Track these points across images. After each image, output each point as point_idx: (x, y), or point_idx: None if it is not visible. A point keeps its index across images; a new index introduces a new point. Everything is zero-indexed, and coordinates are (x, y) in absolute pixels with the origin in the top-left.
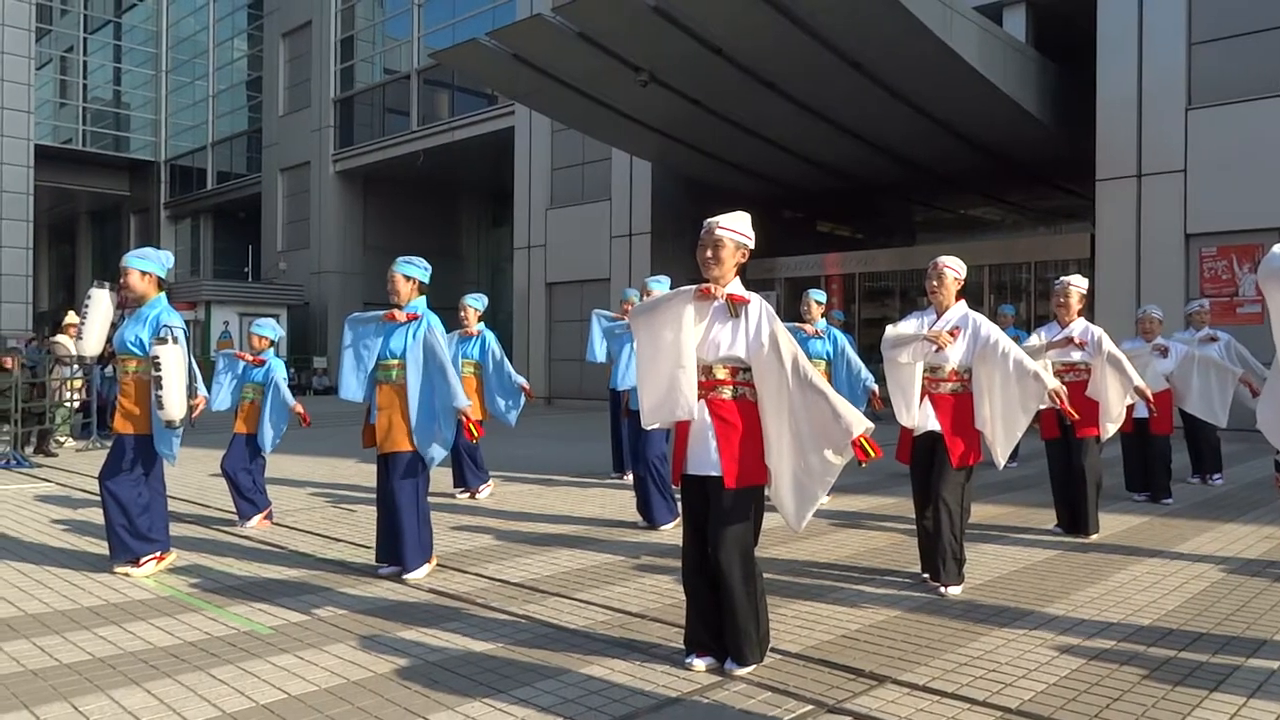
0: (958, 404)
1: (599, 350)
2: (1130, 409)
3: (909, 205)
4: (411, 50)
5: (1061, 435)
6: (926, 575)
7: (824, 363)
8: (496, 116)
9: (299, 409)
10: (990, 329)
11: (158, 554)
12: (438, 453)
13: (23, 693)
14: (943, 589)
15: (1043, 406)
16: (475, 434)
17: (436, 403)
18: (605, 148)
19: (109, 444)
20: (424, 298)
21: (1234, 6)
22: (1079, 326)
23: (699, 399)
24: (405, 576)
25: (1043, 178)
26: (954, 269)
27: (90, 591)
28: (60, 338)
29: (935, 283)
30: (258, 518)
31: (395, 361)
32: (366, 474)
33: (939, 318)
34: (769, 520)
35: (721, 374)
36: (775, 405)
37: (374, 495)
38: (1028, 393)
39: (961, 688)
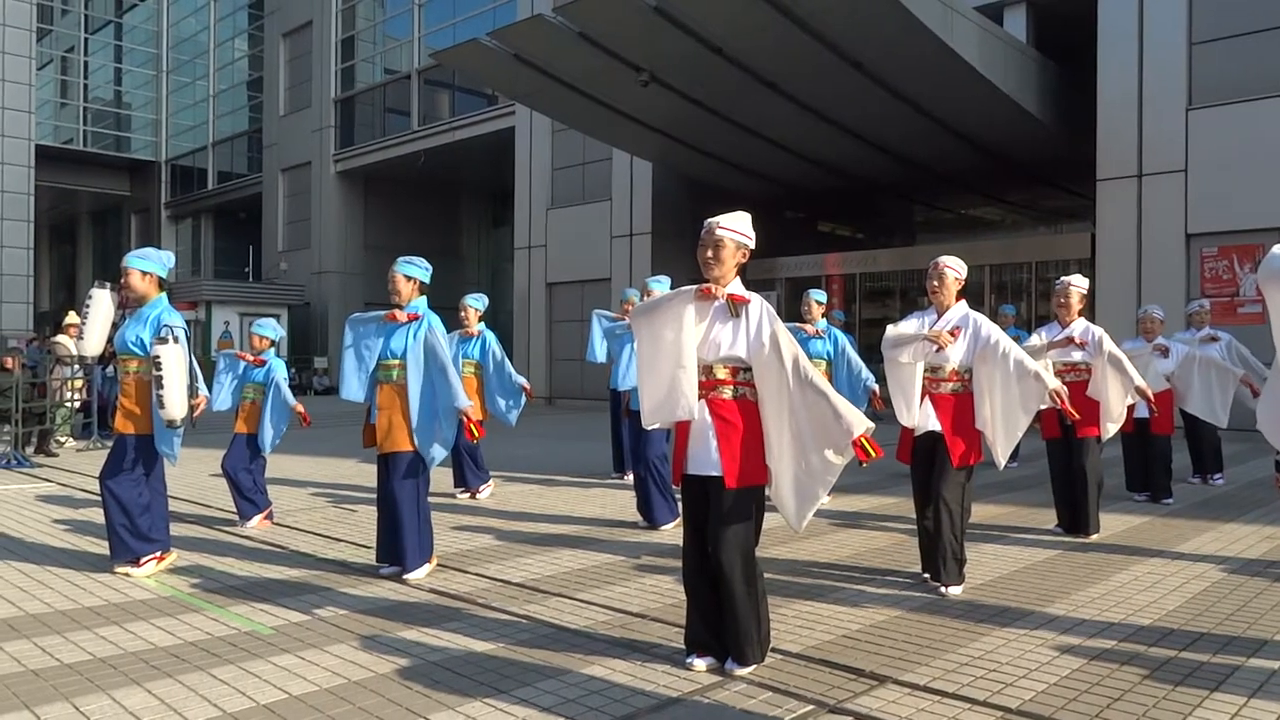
0: (958, 404)
1: (599, 350)
2: (1131, 409)
3: (910, 205)
4: (412, 50)
5: (1062, 435)
6: (927, 575)
7: (825, 363)
8: (497, 116)
9: (300, 409)
10: (991, 329)
11: (158, 554)
12: (438, 453)
13: (24, 693)
14: (943, 589)
15: (1043, 406)
16: (476, 434)
17: (437, 403)
18: (606, 148)
19: (110, 444)
20: (425, 298)
21: (1234, 6)
22: (1079, 326)
23: (699, 399)
24: (406, 576)
25: (1043, 178)
26: (955, 269)
27: (91, 591)
28: (61, 338)
29: (936, 283)
30: (258, 518)
31: (396, 361)
32: (367, 474)
33: (939, 318)
34: (770, 520)
35: (722, 374)
36: (776, 405)
37: (374, 495)
38: (1028, 393)
39: (962, 688)
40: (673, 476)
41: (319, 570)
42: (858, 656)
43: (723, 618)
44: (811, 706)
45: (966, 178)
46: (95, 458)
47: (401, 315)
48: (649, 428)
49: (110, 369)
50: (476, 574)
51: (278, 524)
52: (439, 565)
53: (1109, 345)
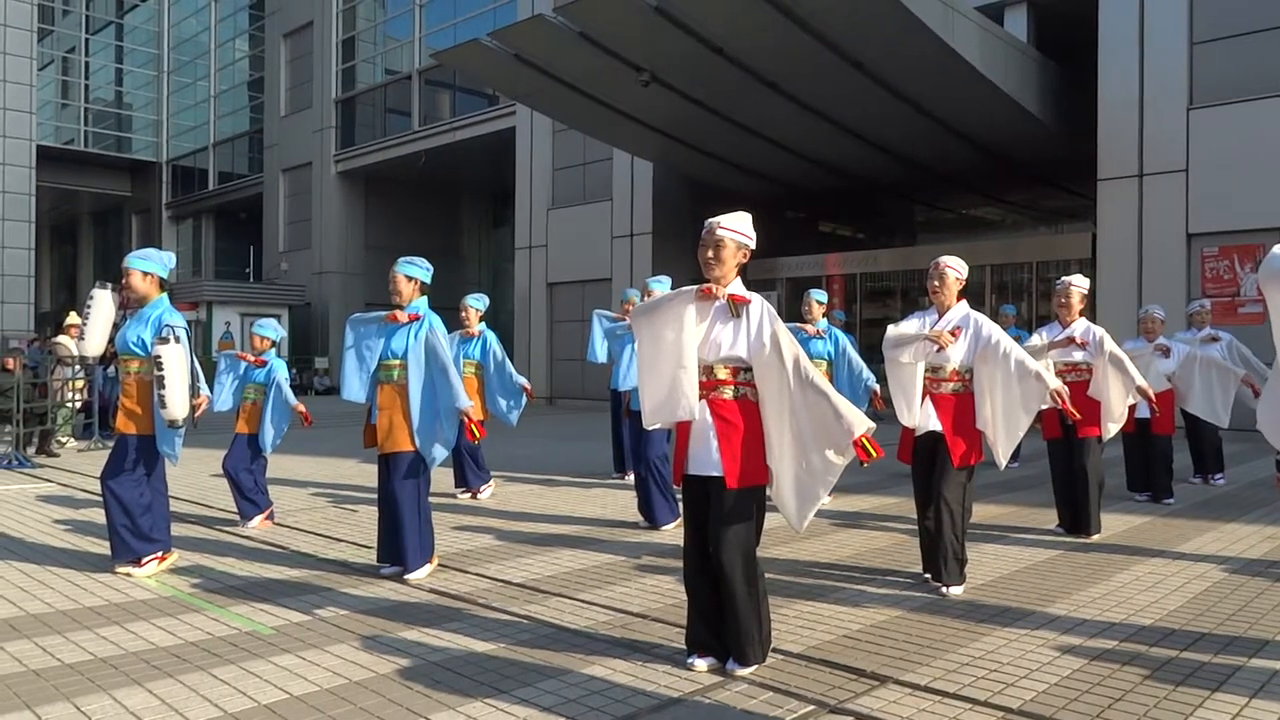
0: (959, 404)
1: (600, 351)
2: (1132, 409)
3: (910, 205)
4: (413, 51)
5: (1063, 435)
6: (928, 575)
7: (825, 363)
8: (498, 117)
9: (301, 408)
10: (991, 329)
11: (159, 554)
12: (439, 453)
13: (25, 693)
14: (944, 589)
15: (1044, 406)
16: (477, 434)
17: (438, 403)
18: (606, 148)
19: (111, 444)
20: (425, 298)
21: (1235, 6)
22: (1080, 326)
23: (700, 399)
24: (407, 577)
25: (1044, 177)
26: (955, 269)
27: (92, 591)
28: (62, 338)
29: (937, 283)
30: (259, 518)
31: (397, 362)
32: (368, 474)
33: (940, 318)
34: (770, 520)
35: (723, 374)
36: (776, 405)
37: (375, 495)
38: (1029, 393)
39: (963, 688)
40: (673, 477)
41: (320, 570)
42: (859, 657)
43: (724, 618)
44: (812, 707)
45: (967, 178)
46: (96, 458)
47: (402, 315)
48: (650, 428)
49: (111, 369)
50: (477, 574)
51: (279, 524)
52: (440, 565)
53: (1110, 345)
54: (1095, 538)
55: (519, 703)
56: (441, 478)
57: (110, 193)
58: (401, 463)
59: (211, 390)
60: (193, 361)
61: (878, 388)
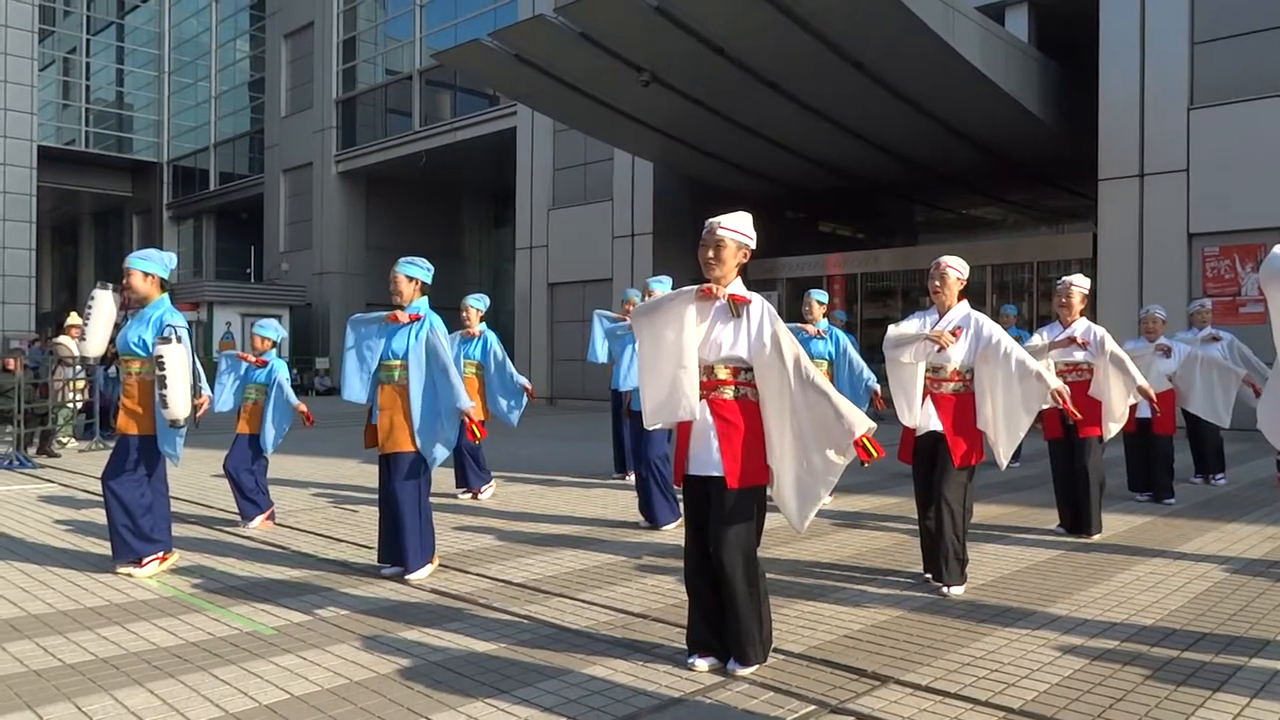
0: (960, 404)
1: (600, 351)
2: (1133, 409)
3: (911, 205)
4: (413, 51)
5: (1064, 435)
6: (929, 575)
7: (826, 363)
8: (498, 117)
9: (302, 408)
10: (992, 329)
11: (160, 554)
12: (440, 453)
13: (26, 693)
14: (945, 589)
15: (1045, 406)
16: (478, 435)
17: (439, 403)
18: (607, 148)
19: (111, 444)
20: (426, 298)
21: (1236, 6)
22: (1081, 326)
23: (701, 399)
24: (407, 577)
25: (1045, 177)
26: (956, 269)
27: (93, 592)
28: (63, 339)
29: (937, 283)
30: (260, 518)
31: (397, 362)
32: (368, 474)
33: (941, 318)
34: (771, 520)
35: (723, 374)
36: (777, 405)
37: (376, 496)
38: (1030, 393)
39: (964, 688)
40: (674, 477)
41: (320, 570)
42: (860, 657)
43: (724, 618)
44: (813, 707)
45: (968, 178)
46: (97, 458)
47: (403, 316)
48: (650, 428)
49: (113, 370)
50: (478, 574)
51: (279, 524)
52: (441, 565)
53: (1111, 345)
54: (1096, 538)
55: (520, 703)
56: (442, 478)
57: (111, 193)
58: (402, 463)
59: (212, 390)
60: (194, 362)
61: (878, 388)
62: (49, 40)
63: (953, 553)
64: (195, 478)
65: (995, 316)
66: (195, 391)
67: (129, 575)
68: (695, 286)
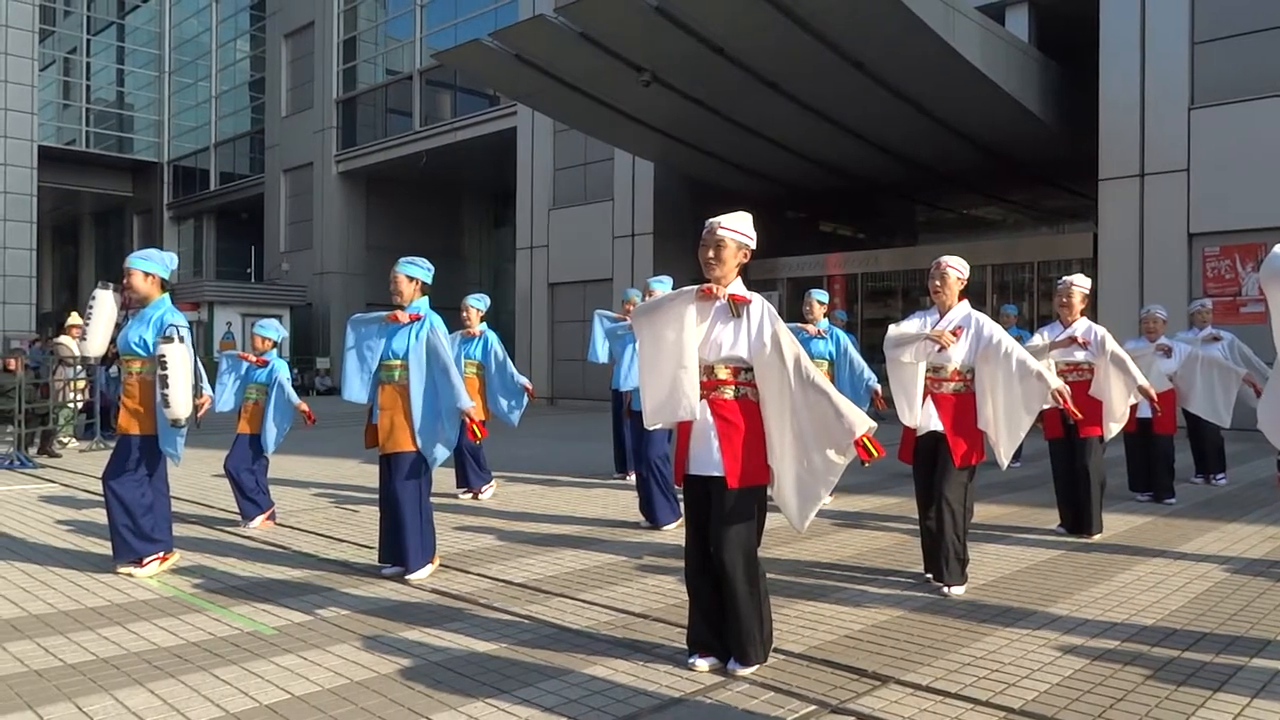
0: (960, 404)
1: (601, 351)
2: (1134, 409)
3: (911, 205)
4: (414, 51)
5: (1065, 435)
6: (930, 575)
7: (827, 363)
8: (499, 117)
9: (304, 407)
10: (993, 329)
11: (161, 554)
12: (441, 453)
13: (27, 693)
14: (946, 589)
15: (1046, 406)
16: (479, 435)
17: (439, 403)
18: (607, 148)
19: (112, 444)
20: (426, 298)
21: (1236, 6)
22: (1082, 326)
23: (701, 399)
24: (408, 577)
25: (1045, 177)
26: (957, 269)
27: (94, 592)
28: (64, 339)
29: (938, 282)
30: (260, 518)
31: (398, 362)
32: (369, 474)
33: (942, 317)
34: (772, 520)
35: (723, 374)
36: (777, 405)
37: (377, 496)
38: (1031, 393)
39: (965, 688)
40: (674, 477)
41: (321, 570)
42: (860, 657)
43: (725, 618)
44: (814, 707)
45: (968, 177)
46: (98, 458)
47: (403, 316)
48: (651, 428)
49: (114, 369)
50: (479, 574)
51: (280, 524)
52: (441, 565)
53: (1111, 345)
54: (1097, 537)
55: (520, 703)
56: (443, 478)
57: (112, 193)
58: (403, 463)
59: (213, 391)
60: (195, 362)
61: (879, 388)
62: (49, 40)
63: (953, 553)
64: (196, 478)
65: (996, 316)
66: (197, 391)
67: (130, 575)
68: (695, 286)
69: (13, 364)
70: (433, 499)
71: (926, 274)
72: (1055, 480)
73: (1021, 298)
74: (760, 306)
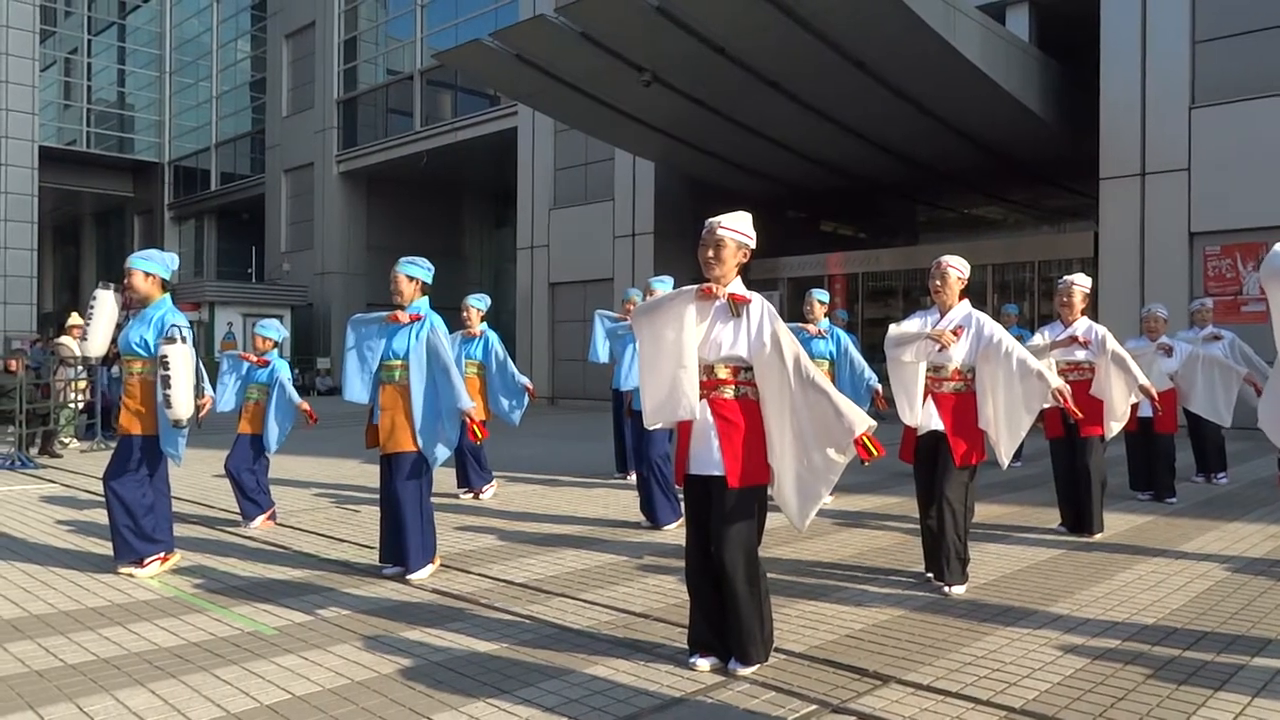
0: (961, 403)
1: (602, 351)
2: (1135, 408)
3: (912, 205)
4: (414, 51)
5: (1065, 434)
6: (930, 575)
7: (827, 362)
8: (499, 117)
9: (305, 406)
10: (993, 328)
11: (162, 554)
12: (442, 453)
13: (27, 693)
14: (947, 588)
15: (1046, 405)
16: (479, 435)
17: (440, 403)
18: (608, 148)
19: (113, 445)
20: (427, 298)
21: (1237, 5)
22: (1082, 325)
23: (701, 399)
24: (409, 577)
25: (1046, 177)
26: (957, 268)
27: (94, 592)
28: (64, 339)
29: (938, 282)
30: (261, 518)
31: (398, 362)
32: (370, 474)
33: (942, 317)
34: (772, 520)
35: (723, 374)
36: (777, 404)
37: (377, 496)
38: (1031, 392)
39: (965, 687)
40: (675, 476)
41: (322, 571)
42: (861, 656)
43: (726, 617)
44: (815, 706)
45: (969, 177)
46: (99, 459)
47: (404, 316)
48: (651, 428)
49: (116, 370)
50: (479, 574)
51: (281, 524)
52: (442, 565)
53: (1112, 344)
54: (1098, 537)
55: (521, 703)
56: (444, 478)
57: (112, 193)
58: (404, 463)
59: (214, 391)
60: (197, 362)
61: (880, 387)
62: (50, 41)
63: (954, 552)
64: (197, 478)
65: (997, 316)
66: (198, 392)
67: (130, 575)
68: (695, 286)
69: (14, 364)
70: (433, 499)
71: (927, 273)
72: (1056, 479)
73: (1022, 297)
74: (760, 306)
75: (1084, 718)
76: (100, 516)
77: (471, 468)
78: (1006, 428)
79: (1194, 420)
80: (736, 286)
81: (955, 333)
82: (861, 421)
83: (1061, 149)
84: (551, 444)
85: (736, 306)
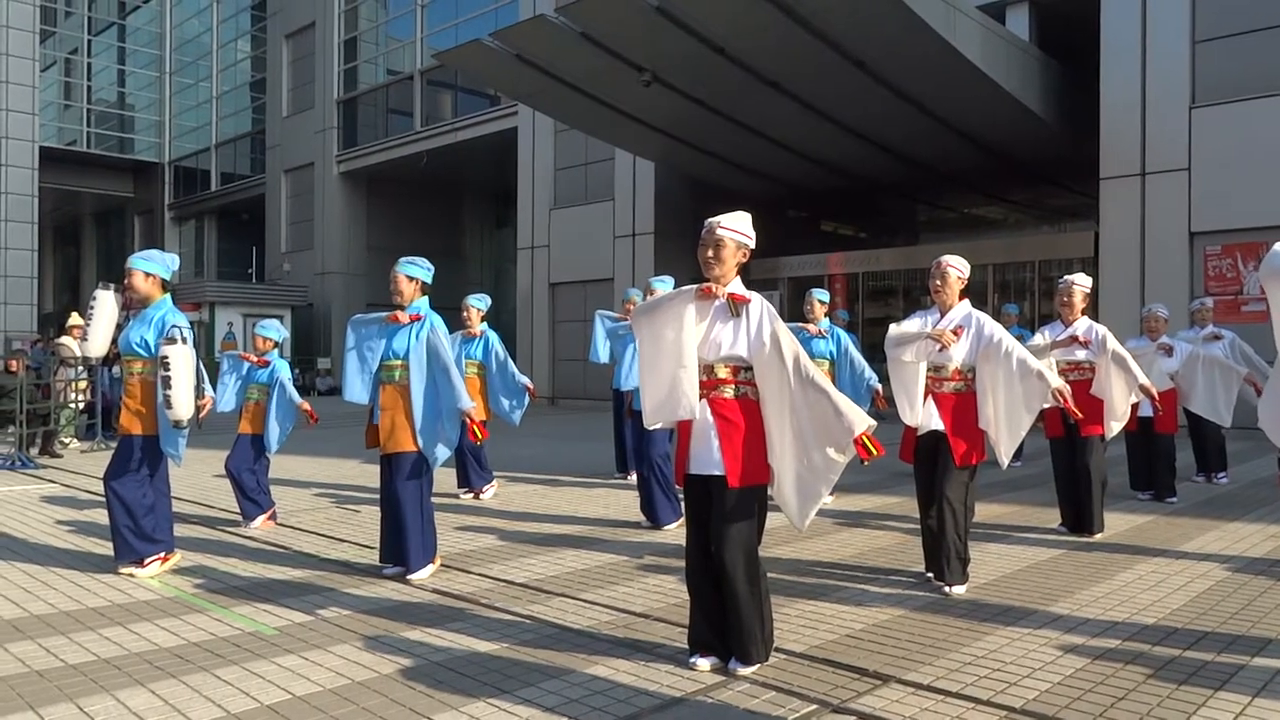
0: (961, 403)
1: (602, 351)
2: (1135, 407)
3: (912, 204)
4: (415, 51)
5: (1066, 434)
6: (931, 574)
7: (828, 362)
8: (500, 117)
9: (306, 406)
10: (994, 328)
11: (162, 554)
12: (442, 453)
13: (28, 694)
14: (947, 588)
15: (1046, 405)
16: (480, 435)
17: (440, 403)
18: (608, 148)
19: (113, 445)
20: (427, 298)
21: (1237, 5)
22: (1083, 325)
23: (701, 398)
24: (409, 577)
25: (1046, 176)
26: (957, 268)
27: (95, 592)
28: (65, 339)
29: (939, 282)
30: (262, 518)
31: (398, 362)
32: (370, 475)
33: (943, 317)
34: (773, 519)
35: (723, 373)
36: (777, 404)
37: (378, 496)
38: (1031, 392)
39: (966, 687)
40: (675, 476)
41: (322, 571)
42: (861, 656)
43: (726, 617)
44: (815, 706)
45: (969, 177)
46: (99, 459)
47: (403, 316)
48: (651, 427)
49: (116, 370)
50: (480, 574)
51: (281, 524)
52: (442, 565)
53: (1113, 344)
54: (1098, 537)
55: (522, 703)
56: (444, 478)
57: (113, 194)
58: (404, 463)
59: (214, 391)
60: (197, 362)
61: (880, 387)
62: (50, 41)
63: (954, 552)
64: (197, 478)
65: (997, 316)
66: (198, 392)
67: (131, 575)
68: (695, 286)
69: (14, 365)
70: (434, 499)
71: (927, 273)
72: (1056, 479)
73: (1023, 297)
74: (759, 305)
75: (1084, 717)
76: (100, 517)
77: (472, 468)
78: (1007, 427)
79: (1194, 420)
80: (736, 286)
81: (955, 332)
82: (861, 421)
83: (1062, 149)
84: (552, 444)
85: (736, 306)
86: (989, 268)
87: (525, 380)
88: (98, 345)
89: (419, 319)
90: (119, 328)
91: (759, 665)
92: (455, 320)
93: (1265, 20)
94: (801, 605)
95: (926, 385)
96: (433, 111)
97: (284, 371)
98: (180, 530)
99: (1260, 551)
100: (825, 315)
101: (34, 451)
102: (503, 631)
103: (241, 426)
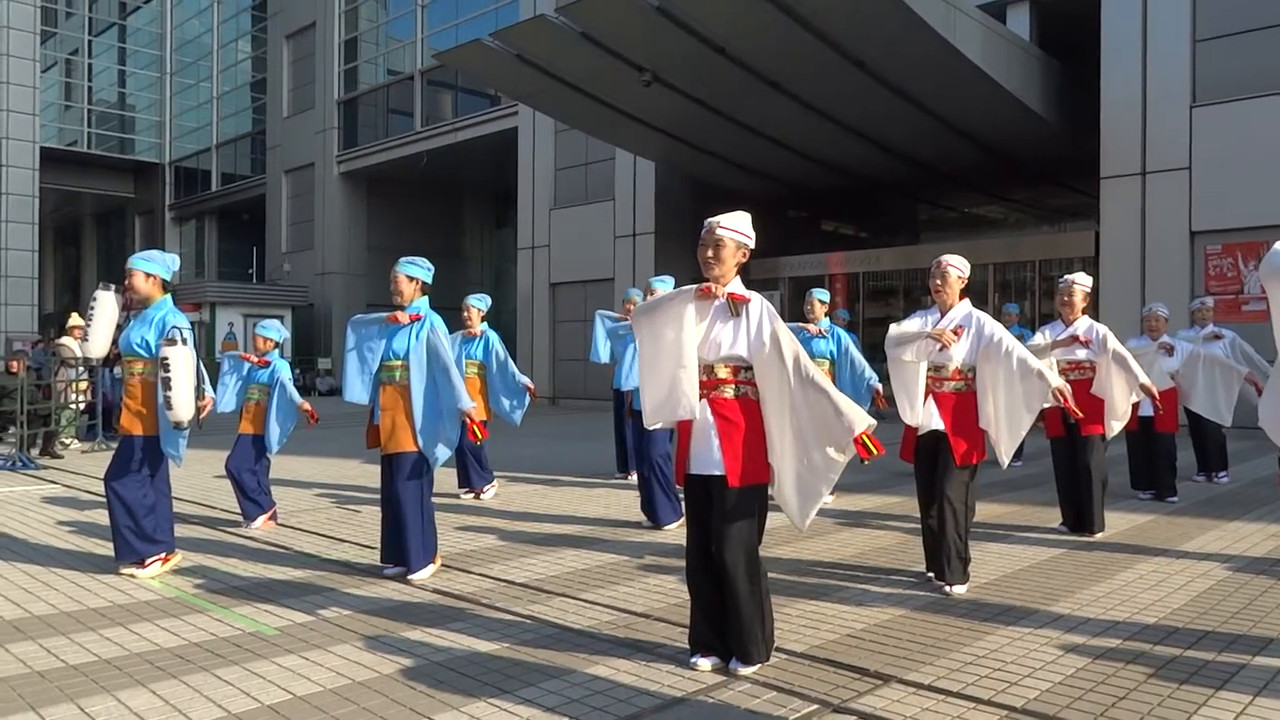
0: (962, 403)
1: (602, 351)
2: (1136, 407)
3: (913, 204)
4: (415, 51)
5: (1066, 433)
6: (931, 574)
7: (828, 362)
8: (500, 117)
9: (307, 406)
10: (994, 327)
11: (163, 555)
12: (443, 453)
13: (29, 694)
14: (948, 588)
15: (1047, 405)
16: (480, 435)
17: (440, 403)
18: (609, 147)
19: (114, 445)
20: (427, 298)
21: (1238, 4)
22: (1083, 324)
23: (701, 398)
24: (410, 577)
25: (1047, 176)
26: (958, 268)
27: (95, 593)
28: (65, 340)
29: (939, 281)
30: (262, 518)
31: (399, 363)
32: (371, 475)
33: (943, 316)
34: (773, 519)
35: (723, 373)
36: (777, 404)
37: (378, 496)
38: (1031, 391)
39: (966, 687)
40: (675, 476)
41: (323, 571)
42: (862, 656)
43: (726, 617)
44: (816, 706)
45: (970, 176)
46: (100, 459)
47: (404, 316)
48: (651, 427)
49: (116, 371)
50: (480, 574)
51: (282, 525)
52: (443, 565)
53: (1113, 343)
54: (1098, 536)
55: (522, 703)
56: (445, 478)
57: (113, 194)
58: (404, 463)
59: (215, 391)
60: (198, 363)
61: (880, 386)
62: (51, 42)
63: (955, 551)
64: (197, 478)
65: (997, 315)
66: (199, 393)
67: (132, 576)
68: (695, 286)
69: (15, 365)
70: (434, 499)
71: (928, 273)
72: (1057, 479)
73: (1023, 296)
74: (759, 305)
75: (1085, 717)
76: (101, 517)
77: (472, 468)
78: (1007, 427)
79: (1195, 419)
80: (736, 286)
81: (956, 332)
82: (861, 420)
83: (1062, 148)
84: (552, 444)
85: (736, 306)
86: (989, 267)
87: (526, 380)
88: (98, 346)
89: (419, 319)
90: (119, 328)
91: (760, 665)
92: (455, 320)
93: (1265, 20)
94: (802, 605)
95: (927, 385)
96: (433, 112)
97: (284, 372)
98: (181, 531)
99: (1261, 551)
100: (825, 315)
101: (35, 452)
102: (503, 631)
103: (242, 427)
